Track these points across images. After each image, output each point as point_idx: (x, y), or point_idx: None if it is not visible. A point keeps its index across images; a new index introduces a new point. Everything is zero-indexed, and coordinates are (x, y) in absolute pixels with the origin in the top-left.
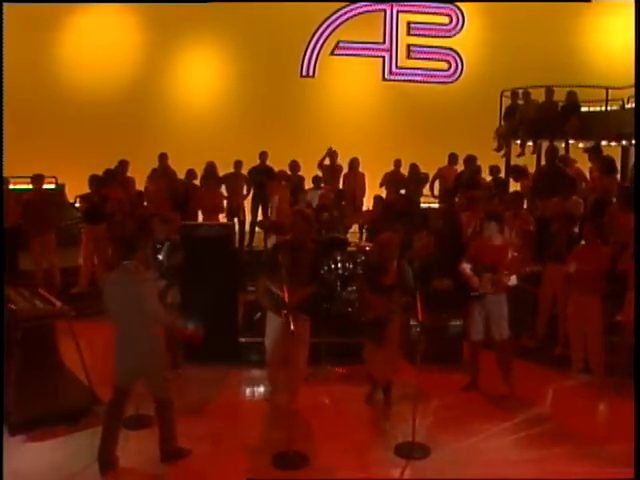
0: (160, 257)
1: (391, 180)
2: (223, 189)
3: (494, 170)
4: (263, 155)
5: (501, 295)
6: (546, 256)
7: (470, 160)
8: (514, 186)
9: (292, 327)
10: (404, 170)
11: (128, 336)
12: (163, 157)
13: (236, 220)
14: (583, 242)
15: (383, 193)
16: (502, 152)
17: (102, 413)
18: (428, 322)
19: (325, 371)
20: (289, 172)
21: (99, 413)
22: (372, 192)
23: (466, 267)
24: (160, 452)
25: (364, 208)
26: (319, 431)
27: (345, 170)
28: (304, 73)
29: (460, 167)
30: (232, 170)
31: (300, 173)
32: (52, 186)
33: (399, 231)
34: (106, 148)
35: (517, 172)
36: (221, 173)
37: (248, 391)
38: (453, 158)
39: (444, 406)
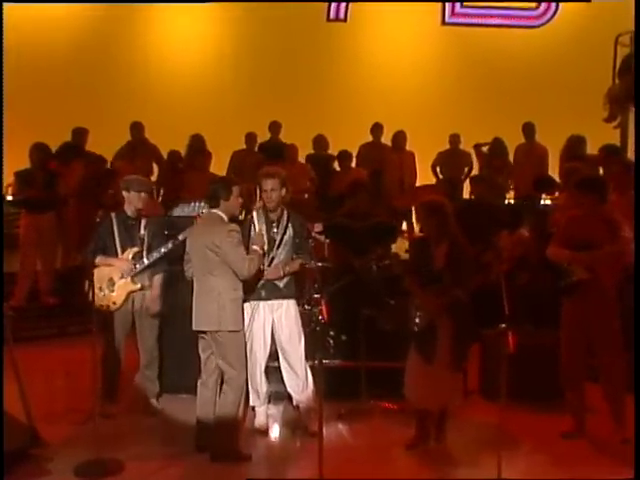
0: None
1: (447, 162)
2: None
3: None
4: (274, 127)
5: (606, 287)
6: None
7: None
8: None
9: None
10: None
11: (207, 290)
12: (137, 127)
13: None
14: None
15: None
16: (616, 122)
17: None
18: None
19: (367, 406)
20: (313, 150)
21: (40, 458)
22: (424, 176)
23: (557, 250)
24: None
25: None
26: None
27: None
28: (332, 16)
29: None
30: (243, 146)
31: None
32: None
33: None
34: (51, 122)
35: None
36: (223, 150)
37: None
38: (528, 129)
39: (539, 455)
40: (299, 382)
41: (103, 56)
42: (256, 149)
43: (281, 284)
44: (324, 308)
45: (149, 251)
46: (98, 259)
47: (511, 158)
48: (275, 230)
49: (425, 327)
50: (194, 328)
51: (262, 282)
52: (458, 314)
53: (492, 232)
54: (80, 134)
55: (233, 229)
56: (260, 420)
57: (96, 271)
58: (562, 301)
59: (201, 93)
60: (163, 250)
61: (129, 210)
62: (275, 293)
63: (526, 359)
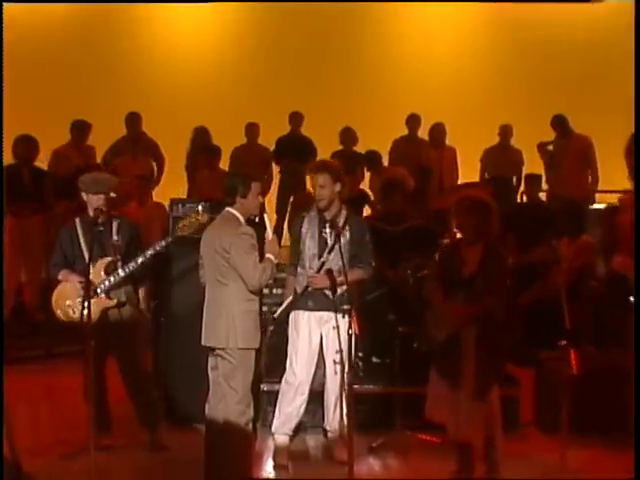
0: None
1: (496, 159)
2: None
3: None
4: (295, 118)
5: None
6: None
7: None
8: None
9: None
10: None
11: (216, 300)
12: (133, 119)
13: None
14: None
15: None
16: None
17: None
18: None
19: (402, 438)
20: (341, 145)
21: None
22: (467, 175)
23: (626, 260)
24: None
25: None
26: None
27: None
28: None
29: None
30: (243, 141)
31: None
32: None
33: None
34: (48, 119)
35: None
36: (228, 146)
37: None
38: (558, 124)
39: None
40: (331, 407)
41: (103, 45)
42: (274, 144)
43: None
44: (354, 319)
45: (125, 260)
46: (62, 274)
47: None
48: (327, 231)
49: (446, 342)
50: (202, 343)
51: (309, 290)
52: (487, 329)
53: (550, 239)
54: (81, 128)
55: (245, 232)
56: (280, 451)
57: (63, 286)
58: (632, 320)
59: (211, 82)
60: (141, 259)
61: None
62: (325, 304)
63: (591, 385)
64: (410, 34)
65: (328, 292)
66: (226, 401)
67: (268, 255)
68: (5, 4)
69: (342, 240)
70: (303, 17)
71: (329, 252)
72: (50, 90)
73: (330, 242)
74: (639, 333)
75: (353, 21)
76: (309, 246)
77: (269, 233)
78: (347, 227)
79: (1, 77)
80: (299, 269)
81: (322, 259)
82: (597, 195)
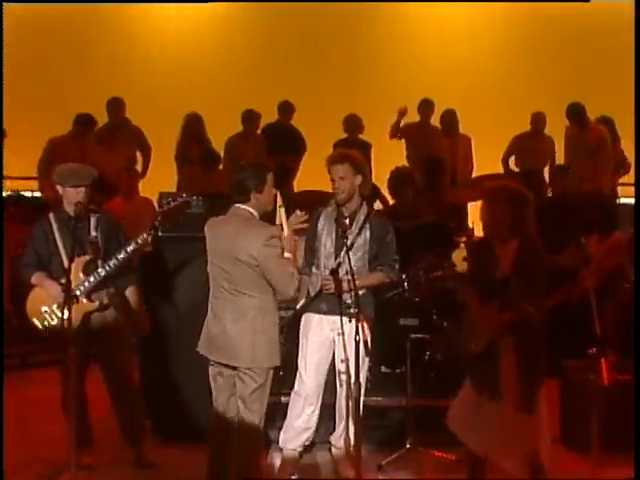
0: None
1: (525, 149)
2: None
3: None
4: (284, 107)
5: None
6: None
7: None
8: None
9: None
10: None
11: (235, 312)
12: (115, 105)
13: None
14: None
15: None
16: None
17: None
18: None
19: (414, 455)
20: (345, 134)
21: None
22: (483, 166)
23: None
24: None
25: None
26: None
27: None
28: None
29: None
30: (240, 129)
31: (362, 136)
32: None
33: None
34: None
35: None
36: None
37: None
38: (573, 113)
39: None
40: (339, 421)
41: (99, 41)
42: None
43: (348, 298)
44: (364, 324)
45: (107, 258)
46: (35, 277)
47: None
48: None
49: (483, 352)
50: (213, 359)
51: (322, 293)
52: (527, 336)
53: (578, 236)
54: (83, 123)
55: (274, 235)
56: (285, 467)
57: (37, 290)
58: None
59: (205, 67)
60: (121, 256)
61: (70, 209)
62: (339, 308)
63: (623, 397)
64: (419, 31)
65: (343, 295)
66: (243, 422)
67: (287, 254)
68: (5, 4)
69: (360, 240)
70: (308, 16)
71: (346, 252)
72: (47, 87)
73: (348, 241)
74: (639, 335)
75: (361, 17)
76: (325, 244)
77: (285, 229)
78: (367, 225)
79: (1, 76)
80: (314, 269)
81: (338, 260)
82: (620, 189)
